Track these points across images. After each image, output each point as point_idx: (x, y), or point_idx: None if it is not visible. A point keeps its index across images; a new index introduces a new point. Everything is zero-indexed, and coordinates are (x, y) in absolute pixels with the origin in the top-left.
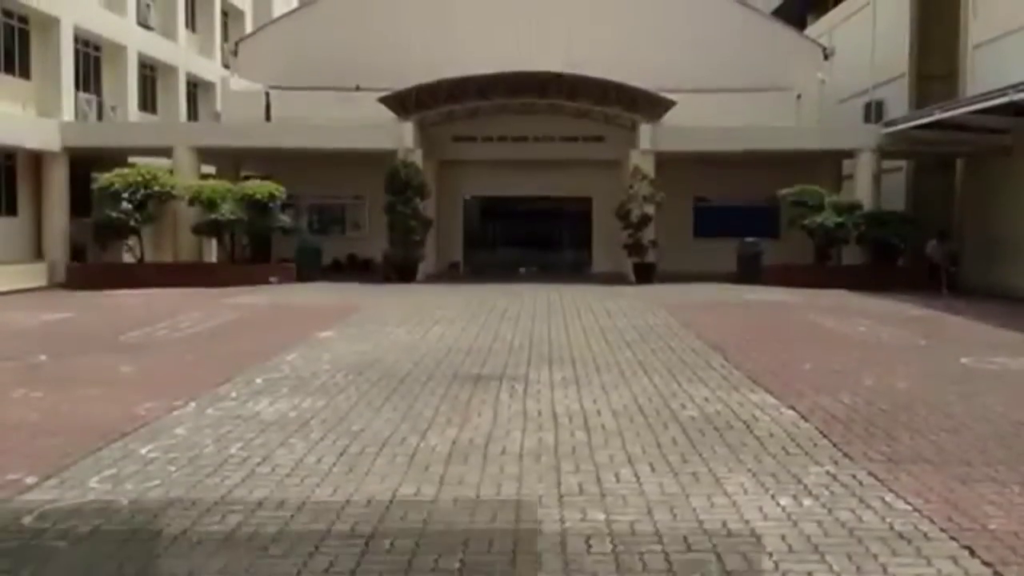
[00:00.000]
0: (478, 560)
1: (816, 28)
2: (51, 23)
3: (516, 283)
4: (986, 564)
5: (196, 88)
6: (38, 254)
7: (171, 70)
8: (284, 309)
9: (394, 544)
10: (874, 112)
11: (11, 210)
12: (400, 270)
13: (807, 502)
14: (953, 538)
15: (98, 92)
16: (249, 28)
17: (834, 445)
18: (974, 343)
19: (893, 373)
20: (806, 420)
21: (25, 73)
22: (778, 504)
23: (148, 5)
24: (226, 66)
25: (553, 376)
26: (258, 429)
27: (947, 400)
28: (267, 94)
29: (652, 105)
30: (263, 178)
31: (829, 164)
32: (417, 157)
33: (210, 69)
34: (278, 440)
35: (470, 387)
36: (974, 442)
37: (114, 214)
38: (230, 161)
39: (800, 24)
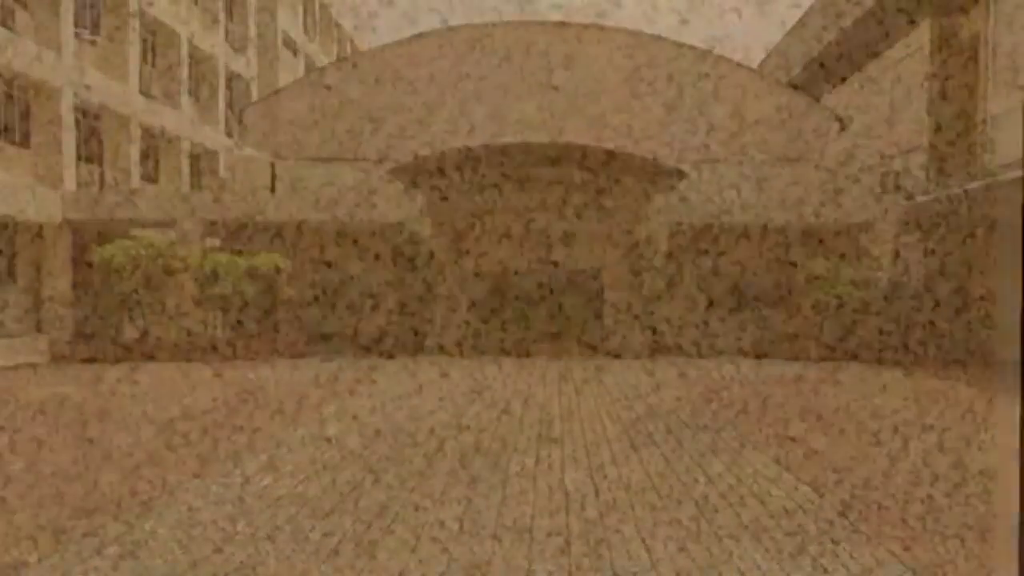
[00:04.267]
0: None
1: (833, 98)
2: (52, 92)
3: (525, 357)
4: None
5: (200, 157)
6: (39, 328)
7: (174, 139)
8: (289, 384)
9: None
10: (892, 183)
11: (11, 282)
12: (407, 343)
13: None
14: None
15: (100, 162)
16: (254, 96)
17: (851, 522)
18: (997, 419)
19: (910, 448)
20: (821, 495)
21: (25, 143)
22: None
23: (151, 73)
24: (230, 135)
25: (564, 452)
26: (263, 506)
27: (966, 477)
28: (272, 164)
29: (665, 175)
30: (268, 250)
31: (846, 236)
32: (425, 228)
33: (214, 138)
34: (284, 517)
35: (478, 462)
36: (994, 519)
37: (116, 287)
38: (235, 232)
39: (817, 94)
